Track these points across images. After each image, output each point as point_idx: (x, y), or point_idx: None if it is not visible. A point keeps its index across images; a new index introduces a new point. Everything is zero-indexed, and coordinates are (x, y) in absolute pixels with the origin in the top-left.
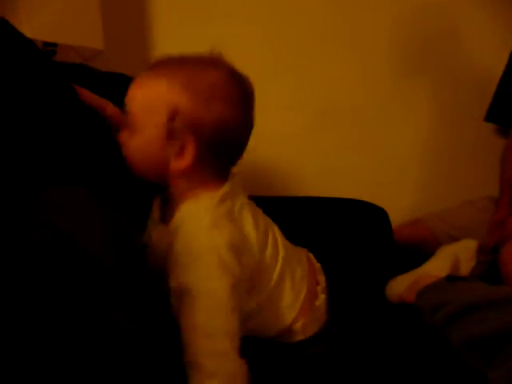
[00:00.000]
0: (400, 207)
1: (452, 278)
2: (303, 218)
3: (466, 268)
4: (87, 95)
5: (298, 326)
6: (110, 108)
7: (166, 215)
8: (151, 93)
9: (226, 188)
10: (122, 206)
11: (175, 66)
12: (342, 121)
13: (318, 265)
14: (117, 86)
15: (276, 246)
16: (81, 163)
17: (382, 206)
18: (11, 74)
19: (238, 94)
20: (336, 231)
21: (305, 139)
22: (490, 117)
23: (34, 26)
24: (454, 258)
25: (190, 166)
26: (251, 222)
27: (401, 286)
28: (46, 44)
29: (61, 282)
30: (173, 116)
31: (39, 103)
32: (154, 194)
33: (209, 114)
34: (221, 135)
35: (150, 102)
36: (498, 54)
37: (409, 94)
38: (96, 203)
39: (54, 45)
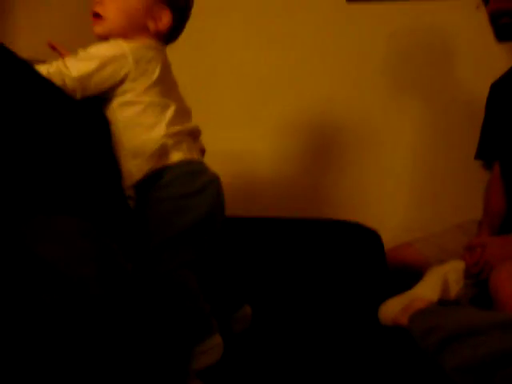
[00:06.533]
0: (391, 228)
1: (444, 303)
2: (294, 240)
3: (455, 289)
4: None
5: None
6: None
7: None
8: None
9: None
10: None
11: None
12: (333, 141)
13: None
14: None
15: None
16: (83, 193)
17: (373, 226)
18: (6, 96)
19: None
20: (328, 253)
21: (297, 159)
22: (479, 155)
23: (30, 46)
24: (443, 279)
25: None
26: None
27: (393, 309)
28: None
29: (42, 309)
30: None
31: (35, 127)
32: None
33: None
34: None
35: None
36: (491, 78)
37: (400, 115)
38: (87, 232)
39: None
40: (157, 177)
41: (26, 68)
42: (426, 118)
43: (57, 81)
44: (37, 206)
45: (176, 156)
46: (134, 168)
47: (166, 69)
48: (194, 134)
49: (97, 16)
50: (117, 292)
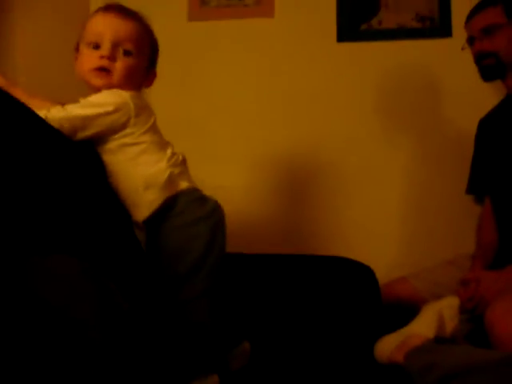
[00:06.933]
0: (384, 263)
1: (440, 340)
2: (289, 277)
3: (450, 325)
4: None
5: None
6: None
7: None
8: (142, 29)
9: None
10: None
11: (139, 16)
12: (325, 179)
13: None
14: None
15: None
16: (81, 233)
17: (366, 262)
18: (5, 138)
19: None
20: (323, 290)
21: (288, 195)
22: (470, 190)
23: (30, 89)
24: (438, 315)
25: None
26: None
27: (389, 346)
28: None
29: (45, 348)
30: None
31: (33, 168)
32: None
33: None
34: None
35: (143, 36)
36: (478, 114)
37: (391, 152)
38: (84, 273)
39: None
40: (169, 206)
41: (25, 112)
42: (417, 154)
43: (55, 124)
44: (36, 246)
45: (183, 184)
46: (150, 197)
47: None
48: (185, 164)
49: (104, 71)
50: (113, 332)
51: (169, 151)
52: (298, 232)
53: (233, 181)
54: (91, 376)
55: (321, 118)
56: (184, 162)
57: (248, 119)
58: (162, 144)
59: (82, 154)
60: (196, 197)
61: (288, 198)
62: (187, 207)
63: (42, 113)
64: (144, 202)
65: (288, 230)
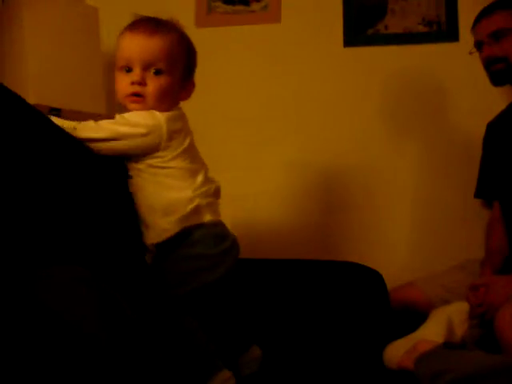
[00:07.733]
0: (392, 268)
1: (450, 345)
2: (298, 282)
3: (459, 331)
4: None
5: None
6: None
7: None
8: (173, 42)
9: None
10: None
11: (169, 26)
12: (331, 183)
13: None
14: None
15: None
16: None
17: (374, 267)
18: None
19: None
20: (332, 295)
21: (297, 201)
22: (478, 194)
23: (41, 93)
24: (448, 321)
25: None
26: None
27: (398, 351)
28: (51, 109)
29: (43, 354)
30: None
31: (37, 174)
32: None
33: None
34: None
35: (174, 50)
36: (486, 118)
37: (398, 156)
38: (87, 281)
39: (58, 109)
40: (185, 235)
41: (43, 121)
42: (424, 158)
43: (83, 136)
44: (43, 258)
45: (207, 216)
46: (165, 225)
47: (192, 136)
48: (217, 195)
49: (138, 96)
50: (115, 337)
51: (199, 179)
52: (304, 237)
53: (240, 189)
54: (90, 377)
55: (327, 122)
56: (216, 192)
57: (253, 124)
58: (193, 171)
59: (106, 168)
60: (213, 232)
61: (294, 205)
62: (201, 241)
63: (71, 124)
64: (158, 228)
65: (296, 235)
